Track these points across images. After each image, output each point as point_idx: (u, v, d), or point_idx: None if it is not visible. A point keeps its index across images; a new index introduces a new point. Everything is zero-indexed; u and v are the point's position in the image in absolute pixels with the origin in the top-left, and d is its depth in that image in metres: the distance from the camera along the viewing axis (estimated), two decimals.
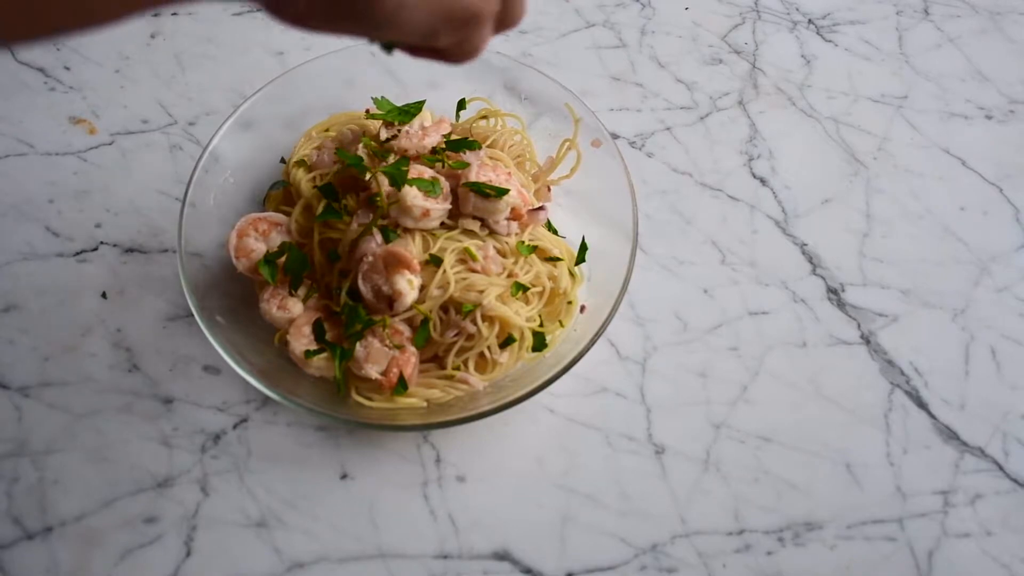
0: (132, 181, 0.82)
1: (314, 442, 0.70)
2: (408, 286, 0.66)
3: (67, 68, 0.88)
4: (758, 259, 0.79)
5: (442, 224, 0.70)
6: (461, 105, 0.79)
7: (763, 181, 0.84)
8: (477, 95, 0.80)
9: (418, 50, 0.47)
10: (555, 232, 0.76)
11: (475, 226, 0.70)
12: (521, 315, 0.69)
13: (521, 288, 0.69)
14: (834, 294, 0.77)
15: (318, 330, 0.68)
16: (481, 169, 0.70)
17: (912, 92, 0.87)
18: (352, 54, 0.80)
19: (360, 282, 0.67)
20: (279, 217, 0.73)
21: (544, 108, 0.79)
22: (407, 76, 0.81)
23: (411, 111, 0.74)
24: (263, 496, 0.68)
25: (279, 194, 0.77)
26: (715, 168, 0.84)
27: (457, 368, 0.69)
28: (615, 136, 0.81)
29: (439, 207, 0.68)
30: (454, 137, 0.74)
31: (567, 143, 0.76)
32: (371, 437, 0.70)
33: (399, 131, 0.72)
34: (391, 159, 0.70)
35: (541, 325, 0.71)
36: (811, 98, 0.87)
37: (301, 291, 0.70)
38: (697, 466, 0.69)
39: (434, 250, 0.68)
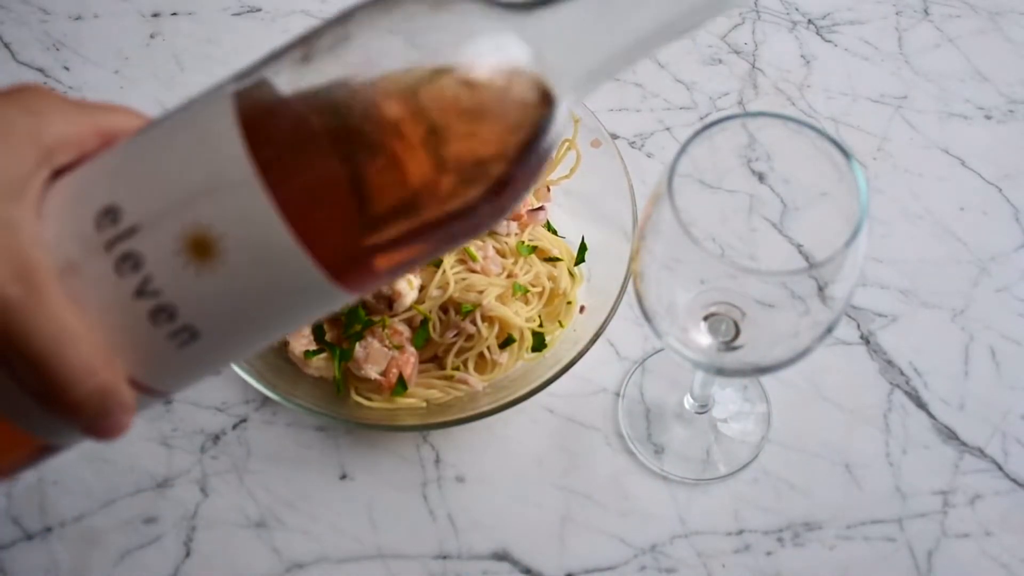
0: None
1: (313, 442, 0.70)
2: (407, 286, 0.66)
3: (67, 68, 0.88)
4: (756, 258, 0.79)
5: None
6: None
7: (761, 179, 0.83)
8: None
9: None
10: (555, 232, 0.76)
11: None
12: (521, 315, 0.69)
13: (521, 289, 0.69)
14: None
15: (317, 331, 0.68)
16: None
17: (911, 92, 0.87)
18: None
19: None
20: None
21: None
22: None
23: None
24: (262, 496, 0.68)
25: None
26: (714, 168, 0.84)
27: (457, 368, 0.69)
28: (615, 136, 0.81)
29: None
30: None
31: (566, 143, 0.76)
32: (370, 437, 0.70)
33: None
34: None
35: (541, 325, 0.71)
36: (810, 98, 0.87)
37: None
38: (696, 466, 0.69)
39: None
